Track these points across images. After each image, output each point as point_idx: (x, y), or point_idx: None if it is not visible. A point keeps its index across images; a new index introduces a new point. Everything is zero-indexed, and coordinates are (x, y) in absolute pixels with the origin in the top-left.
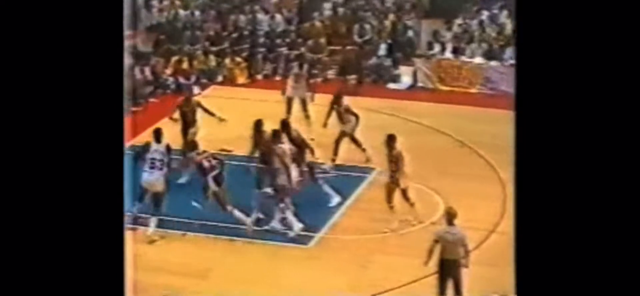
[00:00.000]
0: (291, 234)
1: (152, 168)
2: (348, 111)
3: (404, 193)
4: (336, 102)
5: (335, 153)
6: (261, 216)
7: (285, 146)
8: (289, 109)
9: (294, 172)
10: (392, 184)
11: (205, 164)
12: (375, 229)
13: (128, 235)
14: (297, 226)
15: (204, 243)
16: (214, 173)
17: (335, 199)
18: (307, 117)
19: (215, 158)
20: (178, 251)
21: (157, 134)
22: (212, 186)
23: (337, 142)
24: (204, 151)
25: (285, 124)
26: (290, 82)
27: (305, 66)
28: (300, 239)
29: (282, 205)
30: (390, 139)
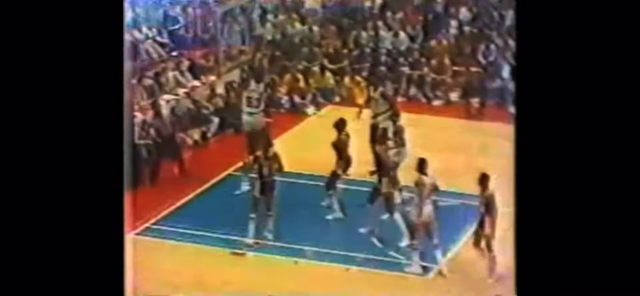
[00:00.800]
0: (410, 263)
1: (249, 105)
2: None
3: (487, 240)
4: (394, 117)
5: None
6: (378, 243)
7: (428, 179)
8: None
9: (429, 206)
10: (480, 228)
11: (265, 170)
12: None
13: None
14: (421, 265)
15: (317, 270)
16: (267, 179)
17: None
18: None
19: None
20: (289, 279)
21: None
22: (255, 188)
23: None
24: (274, 159)
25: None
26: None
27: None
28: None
29: (415, 242)
30: (484, 179)
